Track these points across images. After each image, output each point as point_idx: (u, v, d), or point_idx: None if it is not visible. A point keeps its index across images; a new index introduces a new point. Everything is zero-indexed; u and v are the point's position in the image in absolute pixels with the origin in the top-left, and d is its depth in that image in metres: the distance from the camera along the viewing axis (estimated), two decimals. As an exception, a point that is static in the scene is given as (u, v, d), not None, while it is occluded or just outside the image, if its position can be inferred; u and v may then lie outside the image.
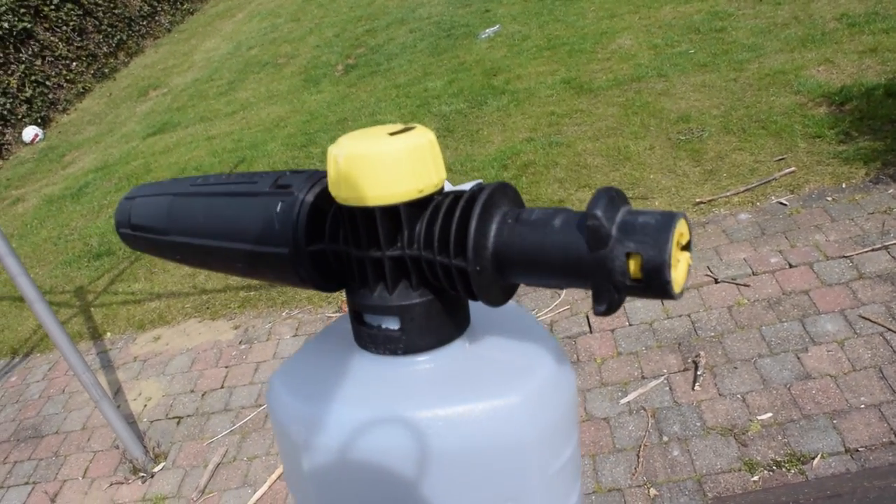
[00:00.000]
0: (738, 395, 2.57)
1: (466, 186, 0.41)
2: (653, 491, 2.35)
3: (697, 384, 2.66)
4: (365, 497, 0.43)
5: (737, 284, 3.06)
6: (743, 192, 3.62)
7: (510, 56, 6.52)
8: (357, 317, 0.44)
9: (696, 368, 2.72)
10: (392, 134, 0.40)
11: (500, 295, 0.42)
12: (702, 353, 2.78)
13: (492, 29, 7.36)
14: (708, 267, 3.22)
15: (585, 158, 4.39)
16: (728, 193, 3.64)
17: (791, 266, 3.06)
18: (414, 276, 0.42)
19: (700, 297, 3.08)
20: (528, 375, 0.42)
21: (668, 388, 2.70)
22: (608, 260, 0.36)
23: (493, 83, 6.03)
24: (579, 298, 3.32)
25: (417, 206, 0.41)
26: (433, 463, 0.40)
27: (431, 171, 0.40)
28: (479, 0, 8.63)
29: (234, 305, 4.22)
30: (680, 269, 0.36)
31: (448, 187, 0.43)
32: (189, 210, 0.52)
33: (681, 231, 0.36)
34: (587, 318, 3.20)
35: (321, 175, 0.45)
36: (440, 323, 0.44)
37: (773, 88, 4.43)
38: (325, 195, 0.44)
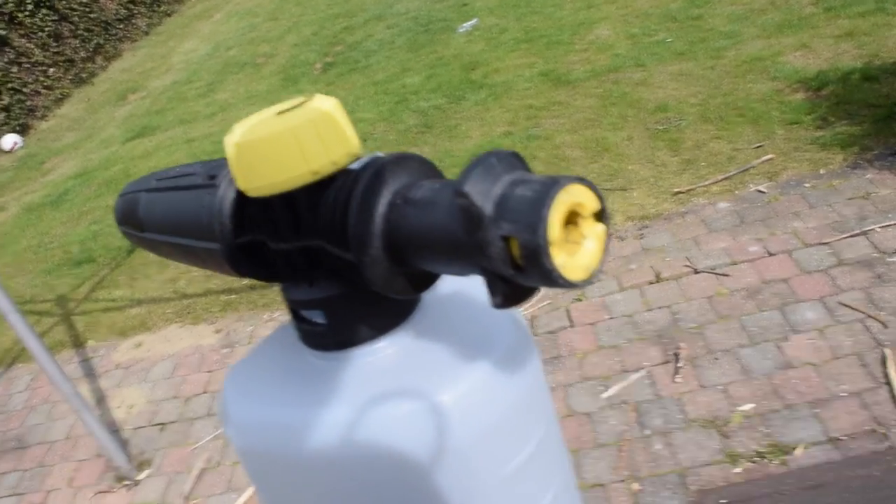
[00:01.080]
0: (720, 387, 2.56)
1: (367, 159, 0.37)
2: (636, 486, 2.34)
3: (678, 376, 2.64)
4: (291, 495, 0.41)
5: (716, 274, 3.05)
6: (721, 180, 3.61)
7: (488, 49, 6.49)
8: (292, 311, 0.42)
9: (677, 360, 2.71)
10: (281, 113, 0.36)
11: (405, 285, 0.37)
12: (682, 344, 2.77)
13: (469, 23, 7.33)
14: (687, 257, 3.21)
15: (564, 151, 4.37)
16: (707, 182, 3.63)
17: (770, 254, 3.05)
18: (326, 268, 0.38)
19: (680, 288, 3.07)
20: (467, 372, 0.37)
21: (649, 382, 2.69)
22: (485, 245, 0.30)
23: (471, 77, 6.00)
24: (559, 293, 3.31)
25: (317, 190, 0.36)
26: (364, 467, 0.36)
27: (329, 148, 0.35)
28: (457, -6, 8.59)
29: (216, 309, 4.18)
30: (584, 250, 0.30)
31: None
32: (151, 207, 0.51)
33: (573, 201, 0.30)
34: (567, 312, 3.18)
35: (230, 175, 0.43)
36: (367, 316, 0.39)
37: (750, 75, 4.42)
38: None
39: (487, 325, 0.40)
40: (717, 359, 2.66)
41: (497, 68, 5.99)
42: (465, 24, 7.34)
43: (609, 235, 0.30)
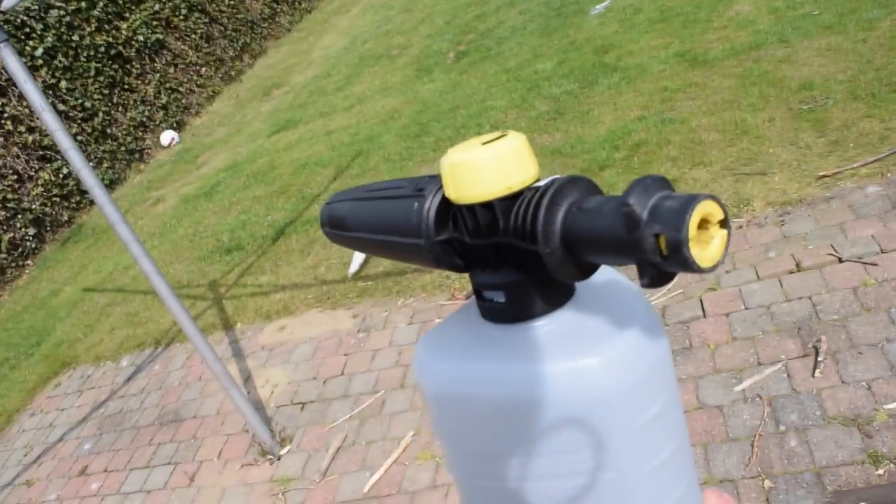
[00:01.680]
0: (863, 383, 2.42)
1: (549, 179, 0.50)
2: (767, 483, 2.26)
3: (818, 371, 2.52)
4: (469, 439, 0.53)
5: (863, 263, 2.87)
6: (871, 162, 3.38)
7: (621, 31, 6.35)
8: (476, 292, 0.54)
9: (817, 354, 2.58)
10: (485, 143, 0.49)
11: (576, 272, 0.49)
12: (823, 337, 2.64)
13: (602, 4, 7.18)
14: (832, 245, 3.04)
15: (700, 134, 4.23)
16: (855, 165, 3.41)
17: (925, 241, 2.84)
18: (512, 259, 0.50)
19: (822, 277, 2.91)
20: (612, 341, 0.48)
21: (785, 375, 2.58)
22: (641, 241, 0.41)
23: (603, 61, 5.89)
24: (693, 282, 3.22)
25: (510, 200, 0.49)
26: (523, 412, 0.48)
27: (519, 170, 0.49)
28: (590, -25, 8.44)
29: (353, 295, 4.37)
30: (712, 246, 0.41)
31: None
32: (361, 212, 0.65)
33: (706, 211, 0.41)
34: (701, 301, 3.09)
35: (438, 183, 0.56)
36: (538, 296, 0.51)
37: (906, 46, 4.10)
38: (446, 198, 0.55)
39: (626, 307, 0.51)
40: (860, 353, 2.51)
41: (630, 50, 5.85)
42: (597, 7, 7.21)
43: (730, 237, 0.43)
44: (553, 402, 0.48)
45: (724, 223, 0.43)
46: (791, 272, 3.01)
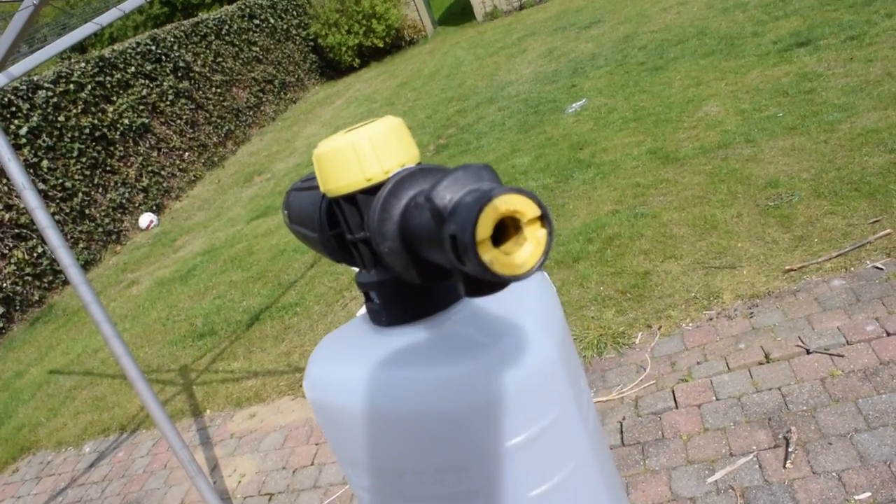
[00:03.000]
0: (834, 473, 2.42)
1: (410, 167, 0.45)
2: (741, 577, 2.23)
3: (789, 461, 2.53)
4: (343, 448, 0.50)
5: (830, 355, 2.92)
6: (836, 257, 3.48)
7: (596, 129, 6.57)
8: (364, 293, 0.51)
9: (788, 445, 2.59)
10: (349, 130, 0.44)
11: (423, 273, 0.42)
12: (793, 428, 2.65)
13: (578, 103, 7.45)
14: (799, 337, 3.09)
15: (671, 229, 4.34)
16: (820, 259, 3.50)
17: (889, 334, 2.90)
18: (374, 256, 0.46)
19: (791, 368, 2.95)
20: (480, 350, 0.43)
21: (757, 466, 2.58)
22: (443, 241, 0.36)
23: (579, 157, 6.07)
24: (665, 373, 3.24)
25: (370, 193, 0.44)
26: (385, 421, 0.44)
27: (381, 159, 0.43)
28: (566, 76, 8.78)
29: (326, 383, 4.32)
30: (522, 250, 0.34)
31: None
32: (293, 202, 0.61)
33: (508, 208, 0.33)
34: (673, 392, 3.11)
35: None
36: (415, 298, 0.46)
37: (865, 148, 4.28)
38: None
39: (515, 309, 0.45)
40: (830, 444, 2.53)
41: (605, 147, 6.04)
42: (573, 105, 7.47)
43: (550, 238, 0.35)
44: (415, 414, 0.43)
45: (543, 222, 0.35)
46: (760, 363, 3.05)
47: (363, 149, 0.42)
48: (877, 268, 3.31)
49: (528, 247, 0.34)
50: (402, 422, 0.43)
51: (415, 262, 0.41)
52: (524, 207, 0.34)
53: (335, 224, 0.49)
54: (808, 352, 2.99)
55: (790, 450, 2.56)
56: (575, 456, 0.45)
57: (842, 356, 2.89)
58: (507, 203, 0.33)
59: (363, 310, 0.53)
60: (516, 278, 0.34)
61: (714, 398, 2.97)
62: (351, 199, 0.44)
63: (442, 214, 0.35)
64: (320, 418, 0.50)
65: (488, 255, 0.33)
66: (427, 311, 0.46)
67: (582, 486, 0.44)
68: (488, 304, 0.47)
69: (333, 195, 0.45)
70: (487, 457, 0.42)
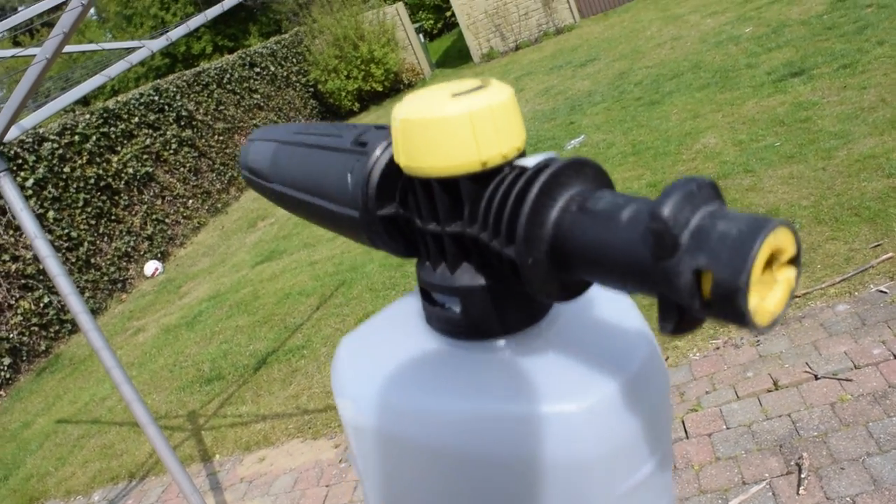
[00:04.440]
0: (848, 498, 2.41)
1: (541, 157, 0.36)
2: None
3: (802, 488, 2.52)
4: (392, 483, 0.39)
5: (838, 380, 2.93)
6: (839, 282, 3.50)
7: (595, 163, 6.62)
8: (423, 293, 0.41)
9: (800, 471, 2.59)
10: (457, 94, 0.35)
11: (559, 291, 0.35)
12: (805, 454, 2.65)
13: (577, 140, 7.54)
14: (807, 363, 3.10)
15: (674, 259, 4.36)
16: (824, 285, 3.52)
17: (896, 357, 2.91)
18: (475, 258, 0.38)
19: (800, 394, 2.95)
20: (597, 386, 0.35)
21: (770, 494, 2.57)
22: (673, 275, 0.28)
23: (579, 191, 6.12)
24: (674, 404, 3.24)
25: (481, 180, 0.36)
26: (476, 466, 0.35)
27: (499, 139, 0.35)
28: (564, 113, 8.89)
29: (335, 424, 4.32)
30: (774, 294, 0.28)
31: (525, 162, 0.37)
32: (287, 159, 0.50)
33: (777, 245, 0.27)
34: (683, 422, 3.11)
35: (388, 140, 0.42)
36: (507, 310, 0.38)
37: (863, 174, 4.33)
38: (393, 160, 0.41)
39: (621, 340, 0.37)
40: (843, 469, 2.52)
41: (604, 181, 6.09)
42: (572, 142, 7.55)
43: (798, 280, 0.29)
44: (512, 460, 0.35)
45: (794, 261, 0.29)
46: (769, 391, 3.05)
47: (484, 123, 0.34)
48: (881, 291, 3.32)
49: (778, 291, 0.28)
50: (503, 469, 0.35)
51: (559, 279, 0.34)
52: (789, 245, 0.28)
53: (383, 203, 0.41)
54: (816, 377, 2.99)
55: (803, 476, 2.56)
56: (666, 491, 0.40)
57: (850, 380, 2.89)
58: (780, 239, 0.27)
59: (399, 305, 0.44)
60: (767, 328, 0.28)
61: (724, 427, 2.97)
62: (450, 184, 0.35)
63: (677, 241, 0.28)
64: (363, 446, 0.39)
65: (754, 300, 0.27)
66: (521, 324, 0.39)
67: None
68: (580, 319, 0.40)
69: (421, 174, 0.36)
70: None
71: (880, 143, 4.60)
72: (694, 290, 0.27)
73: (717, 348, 3.46)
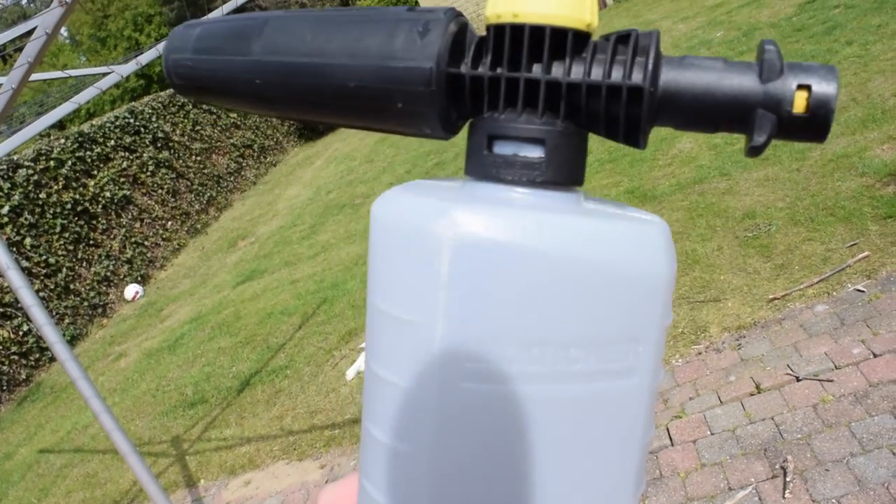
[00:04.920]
0: (833, 500, 2.42)
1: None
2: None
3: (788, 491, 2.52)
4: (491, 315, 0.39)
5: (820, 381, 2.94)
6: (817, 283, 3.52)
7: (573, 171, 6.65)
8: (489, 145, 0.42)
9: (785, 474, 2.59)
10: None
11: (645, 136, 0.41)
12: (789, 457, 2.65)
13: (554, 147, 7.56)
14: (788, 365, 3.11)
15: (653, 265, 4.37)
16: (802, 286, 3.54)
17: (875, 355, 2.92)
18: (564, 106, 0.41)
19: (782, 397, 2.96)
20: (655, 222, 0.41)
21: (757, 499, 2.57)
22: (779, 90, 0.37)
23: (558, 200, 6.13)
24: (658, 411, 3.24)
25: (581, 40, 0.40)
26: (575, 271, 0.38)
27: (595, 13, 0.40)
28: (540, 121, 8.91)
29: (320, 445, 4.28)
30: None
31: None
32: (292, 30, 0.46)
33: None
34: (667, 430, 3.10)
35: (457, 12, 0.44)
36: (578, 160, 0.42)
37: (837, 173, 4.37)
38: (462, 29, 0.43)
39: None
40: (827, 470, 2.53)
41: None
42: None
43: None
44: (621, 269, 0.38)
45: None
46: (752, 394, 3.06)
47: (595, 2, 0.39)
48: (858, 290, 3.34)
49: None
50: (606, 275, 0.38)
51: (652, 123, 0.40)
52: None
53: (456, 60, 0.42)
54: (797, 379, 3.00)
55: (788, 479, 2.56)
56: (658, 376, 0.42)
57: (831, 381, 2.90)
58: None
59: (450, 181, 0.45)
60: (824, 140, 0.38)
61: (709, 433, 2.97)
62: (559, 34, 0.39)
63: (784, 64, 0.37)
64: (459, 264, 0.38)
65: None
66: (580, 179, 0.43)
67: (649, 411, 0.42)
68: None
69: (535, 20, 0.39)
70: (654, 331, 0.39)
71: (852, 143, 4.64)
72: (793, 101, 0.36)
73: (699, 353, 3.46)
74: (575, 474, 0.41)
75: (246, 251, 9.76)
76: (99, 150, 10.71)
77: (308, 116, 0.49)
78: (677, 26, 10.66)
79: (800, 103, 0.37)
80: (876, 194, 3.97)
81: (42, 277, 9.12)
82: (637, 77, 0.39)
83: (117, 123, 11.31)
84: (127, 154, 11.25)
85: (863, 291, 3.33)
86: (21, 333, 8.54)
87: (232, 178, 13.50)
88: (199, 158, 12.77)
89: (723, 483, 2.70)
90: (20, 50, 3.19)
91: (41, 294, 8.99)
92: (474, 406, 0.39)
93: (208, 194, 12.64)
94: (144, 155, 11.56)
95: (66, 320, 9.26)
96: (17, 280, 3.03)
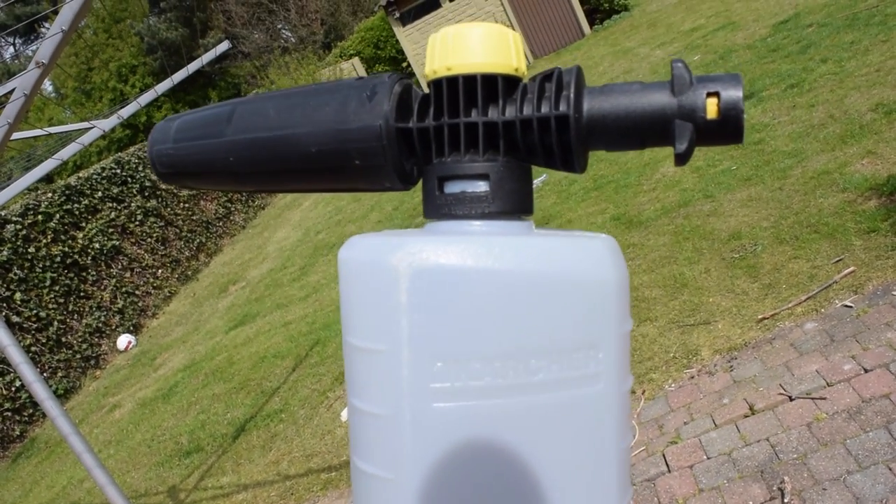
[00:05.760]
0: (832, 520, 2.40)
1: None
2: None
3: (787, 513, 2.50)
4: (447, 333, 0.41)
5: (813, 399, 2.93)
6: (805, 300, 3.53)
7: (559, 202, 6.69)
8: (440, 186, 0.46)
9: (783, 496, 2.57)
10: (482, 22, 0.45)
11: (584, 160, 0.46)
12: (786, 478, 2.64)
13: (539, 179, 7.61)
14: (780, 385, 3.11)
15: (643, 292, 4.38)
16: (790, 305, 3.55)
17: (866, 371, 2.92)
18: (503, 143, 0.45)
19: (776, 417, 2.95)
20: (600, 237, 0.44)
21: (756, 522, 2.55)
22: (691, 100, 0.41)
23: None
24: (654, 437, 3.23)
25: (512, 83, 0.45)
26: (527, 286, 0.40)
27: (521, 58, 0.44)
28: (525, 152, 8.97)
29: (317, 488, 4.24)
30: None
31: None
32: (258, 110, 0.50)
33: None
34: (664, 456, 3.09)
35: (400, 76, 0.48)
36: (523, 191, 0.46)
37: (819, 190, 4.41)
38: (407, 89, 0.48)
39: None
40: (825, 489, 2.51)
41: (570, 219, 6.15)
42: (535, 180, 7.61)
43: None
44: (572, 278, 0.41)
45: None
46: (746, 416, 3.05)
47: (513, 39, 0.44)
48: (846, 306, 3.36)
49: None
50: (555, 286, 0.40)
51: (586, 147, 0.44)
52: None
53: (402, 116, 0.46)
54: (790, 398, 3.00)
55: (786, 501, 2.55)
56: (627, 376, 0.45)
57: (824, 399, 2.90)
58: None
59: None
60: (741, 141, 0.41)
61: (705, 457, 2.96)
62: (490, 80, 0.43)
63: (692, 77, 0.41)
64: (423, 296, 0.40)
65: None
66: (528, 208, 0.47)
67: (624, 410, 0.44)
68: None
69: (466, 71, 0.43)
70: (613, 337, 0.41)
71: (832, 159, 4.69)
72: (705, 108, 0.40)
73: (692, 377, 3.46)
74: (554, 482, 0.42)
75: (237, 296, 9.73)
76: (87, 201, 10.72)
77: (279, 186, 0.54)
78: (655, 52, 10.80)
79: (711, 109, 0.40)
80: (858, 209, 4.00)
81: (33, 332, 9.07)
82: (563, 107, 0.43)
83: (104, 174, 11.34)
84: (115, 204, 11.26)
85: (850, 307, 3.34)
86: (14, 389, 8.46)
87: (221, 224, 13.51)
88: (187, 205, 12.78)
89: (722, 508, 2.68)
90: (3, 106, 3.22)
91: (33, 348, 8.93)
92: (448, 425, 0.40)
93: (197, 240, 12.64)
94: (132, 204, 11.58)
95: (59, 373, 9.19)
96: (4, 338, 3.02)
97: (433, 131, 0.46)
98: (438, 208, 0.46)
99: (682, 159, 0.42)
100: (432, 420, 0.41)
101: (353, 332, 0.44)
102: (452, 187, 0.46)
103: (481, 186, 0.45)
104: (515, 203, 0.45)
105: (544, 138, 0.44)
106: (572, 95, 0.43)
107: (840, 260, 3.68)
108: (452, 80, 0.44)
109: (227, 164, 0.51)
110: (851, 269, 3.55)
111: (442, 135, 0.45)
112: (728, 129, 0.41)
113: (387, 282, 0.41)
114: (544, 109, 0.43)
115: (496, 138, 0.45)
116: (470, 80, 0.44)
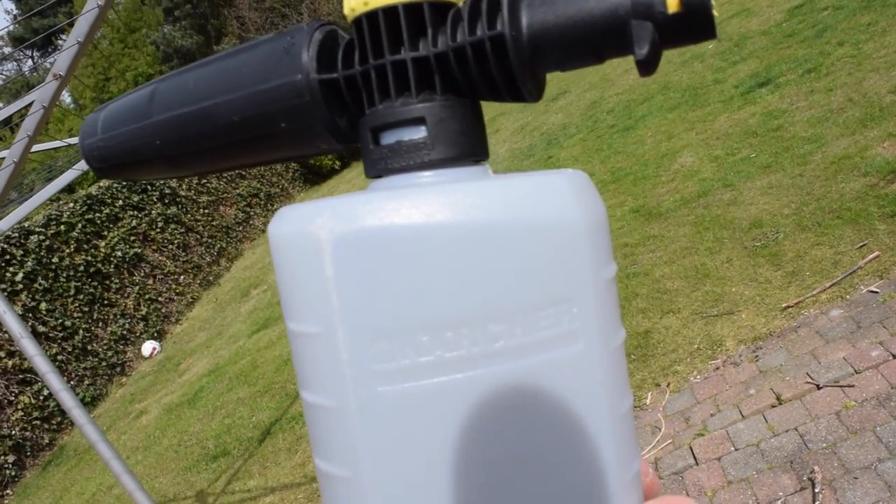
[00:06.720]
0: (864, 509, 2.37)
1: None
2: None
3: (818, 503, 2.48)
4: (385, 302, 0.35)
5: (841, 387, 2.90)
6: (829, 287, 3.49)
7: (577, 194, 6.66)
8: (374, 139, 0.41)
9: (814, 486, 2.55)
10: None
11: (535, 85, 0.39)
12: (816, 468, 2.61)
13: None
14: (807, 373, 3.07)
15: (664, 284, 4.36)
16: (815, 292, 3.51)
17: (894, 356, 2.88)
18: (439, 79, 0.40)
19: (804, 406, 2.92)
20: (565, 172, 0.38)
21: (787, 513, 2.53)
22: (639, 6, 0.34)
23: (564, 224, 6.13)
24: (680, 430, 3.21)
25: (441, 10, 0.39)
26: (474, 238, 0.35)
27: None
28: (541, 149, 8.96)
29: (344, 489, 4.25)
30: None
31: None
32: (177, 85, 0.46)
33: None
34: (691, 449, 3.07)
35: (322, 22, 0.43)
36: (472, 132, 0.41)
37: (840, 175, 4.35)
38: (331, 35, 0.43)
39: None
40: (856, 478, 2.48)
41: (587, 211, 6.12)
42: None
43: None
44: (527, 225, 0.35)
45: None
46: (773, 406, 3.02)
47: None
48: (872, 292, 3.32)
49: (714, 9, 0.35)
50: (508, 235, 0.34)
51: (534, 69, 0.38)
52: None
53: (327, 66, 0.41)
54: (818, 387, 2.97)
55: (817, 490, 2.52)
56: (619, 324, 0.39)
57: (852, 386, 2.87)
58: None
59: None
60: (715, 33, 0.35)
61: (733, 448, 2.93)
62: (415, 9, 0.38)
63: None
64: (352, 263, 0.35)
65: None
66: (478, 152, 0.40)
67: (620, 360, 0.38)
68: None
69: (384, 3, 0.37)
70: (589, 287, 0.35)
71: (853, 143, 4.64)
72: (663, 3, 0.34)
73: (717, 368, 3.43)
74: (535, 462, 0.36)
75: (259, 299, 9.79)
76: (108, 210, 10.83)
77: (214, 165, 0.49)
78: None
79: (672, 1, 0.34)
80: (881, 193, 3.95)
81: (59, 341, 9.17)
82: (498, 27, 0.37)
83: (124, 183, 11.44)
84: (136, 212, 11.37)
85: (876, 292, 3.30)
86: (42, 398, 8.56)
87: (241, 228, 13.60)
88: (206, 211, 12.88)
89: (751, 500, 2.66)
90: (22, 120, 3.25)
91: (59, 357, 9.03)
92: (399, 410, 0.35)
93: (218, 246, 12.73)
94: (153, 212, 11.68)
95: (86, 381, 9.29)
96: (31, 349, 3.06)
97: (360, 78, 0.41)
98: (375, 163, 0.41)
99: (646, 67, 0.36)
100: (381, 407, 0.35)
101: (290, 315, 0.39)
102: (388, 138, 0.41)
103: (419, 132, 0.40)
104: (463, 146, 0.40)
105: (483, 67, 0.39)
106: (506, 11, 0.37)
107: (864, 245, 3.63)
108: (372, 16, 0.39)
109: (155, 149, 0.47)
110: (876, 253, 3.51)
111: (370, 80, 0.40)
112: (695, 22, 0.34)
113: (311, 253, 0.36)
114: (478, 33, 0.38)
115: (430, 75, 0.40)
116: (391, 11, 0.39)
